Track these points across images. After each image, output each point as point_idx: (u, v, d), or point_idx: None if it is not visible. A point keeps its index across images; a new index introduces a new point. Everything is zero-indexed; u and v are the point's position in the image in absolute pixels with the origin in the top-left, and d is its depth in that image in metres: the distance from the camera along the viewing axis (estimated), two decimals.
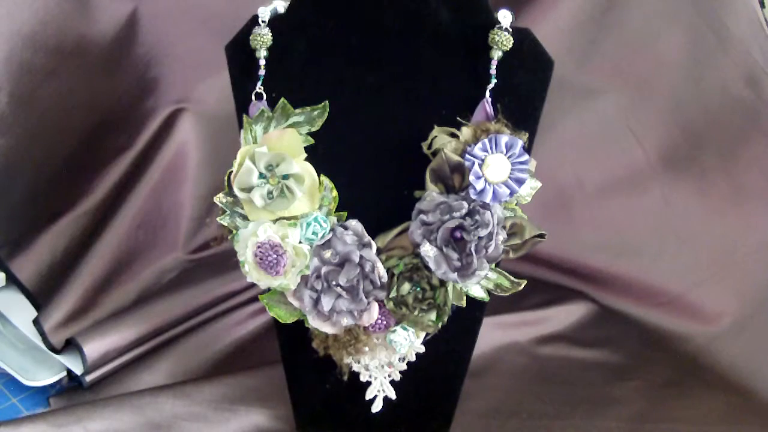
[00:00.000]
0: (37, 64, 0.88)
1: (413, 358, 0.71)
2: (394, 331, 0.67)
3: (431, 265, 0.63)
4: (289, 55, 0.66)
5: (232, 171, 0.64)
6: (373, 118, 0.66)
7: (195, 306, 0.98)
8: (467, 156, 0.62)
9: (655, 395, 0.90)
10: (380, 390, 0.72)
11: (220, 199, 0.66)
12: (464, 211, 0.62)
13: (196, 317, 0.98)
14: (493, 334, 0.97)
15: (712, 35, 0.99)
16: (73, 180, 0.99)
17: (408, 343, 0.68)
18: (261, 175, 0.63)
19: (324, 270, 0.65)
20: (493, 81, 0.63)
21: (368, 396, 0.73)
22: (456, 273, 0.63)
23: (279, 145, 0.64)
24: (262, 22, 0.65)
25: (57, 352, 0.89)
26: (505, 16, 0.62)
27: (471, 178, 0.61)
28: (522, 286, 0.66)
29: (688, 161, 1.05)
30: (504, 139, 0.61)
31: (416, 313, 0.65)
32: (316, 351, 0.70)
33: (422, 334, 0.68)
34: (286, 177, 0.63)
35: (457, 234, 0.62)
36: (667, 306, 1.05)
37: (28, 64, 0.87)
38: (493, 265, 0.65)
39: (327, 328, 0.67)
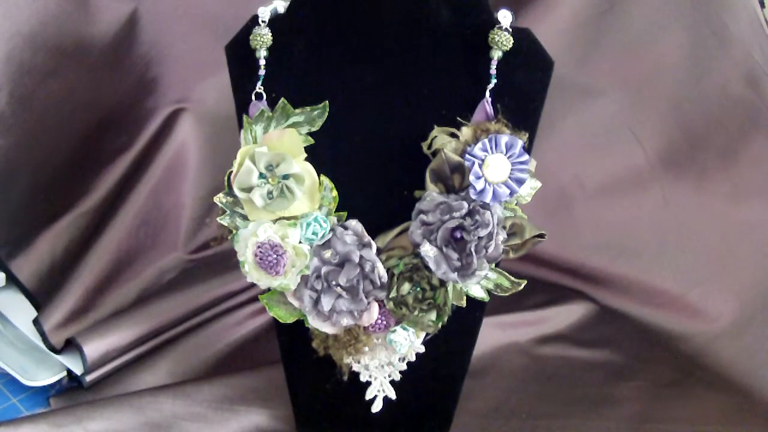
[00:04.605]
0: (37, 64, 0.88)
1: (413, 358, 0.70)
2: (394, 331, 0.67)
3: (431, 265, 0.63)
4: (289, 55, 0.66)
5: (232, 171, 0.64)
6: (373, 118, 0.66)
7: (195, 306, 0.98)
8: (467, 156, 0.62)
9: (655, 395, 0.90)
10: (380, 390, 0.72)
11: (220, 199, 0.66)
12: (464, 211, 0.62)
13: (196, 317, 0.98)
14: (493, 334, 0.97)
15: (712, 35, 0.99)
16: (73, 180, 0.99)
17: (408, 343, 0.67)
18: (261, 175, 0.63)
19: (324, 270, 0.65)
20: (493, 81, 0.63)
21: (368, 396, 0.73)
22: (456, 273, 0.63)
23: (279, 145, 0.64)
24: (262, 22, 0.65)
25: (57, 352, 0.89)
26: (505, 16, 0.62)
27: (471, 178, 0.61)
28: (522, 286, 0.66)
29: (688, 161, 1.05)
30: (504, 139, 0.61)
31: (416, 313, 0.65)
32: (316, 351, 0.70)
33: (422, 334, 0.68)
34: (286, 177, 0.63)
35: (457, 234, 0.62)
36: (667, 306, 1.05)
37: (28, 64, 0.88)
38: (493, 265, 0.65)
39: (327, 328, 0.67)
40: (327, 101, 0.65)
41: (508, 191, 0.62)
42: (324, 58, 0.66)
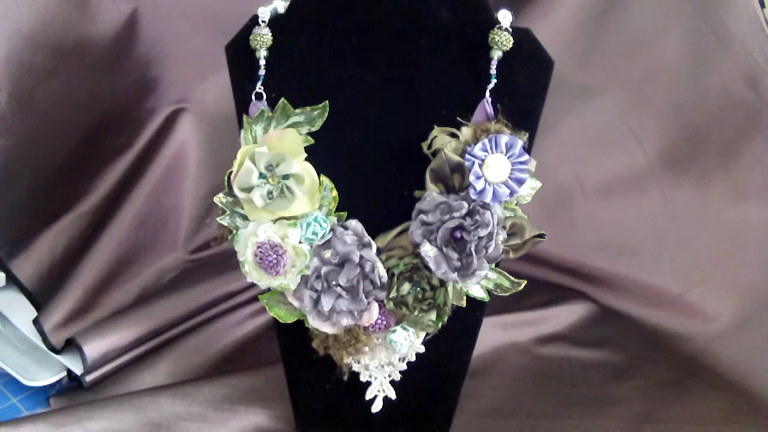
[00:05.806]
0: (37, 64, 0.88)
1: (413, 358, 0.71)
2: (394, 331, 0.67)
3: (431, 265, 0.63)
4: (289, 55, 0.66)
5: (232, 171, 0.64)
6: (373, 118, 0.66)
7: (195, 306, 0.98)
8: (467, 156, 0.62)
9: (655, 395, 0.90)
10: (380, 390, 0.72)
11: (220, 199, 0.66)
12: (464, 211, 0.62)
13: (196, 317, 0.98)
14: (493, 334, 0.97)
15: (712, 35, 0.99)
16: (73, 180, 0.99)
17: (408, 343, 0.68)
18: (261, 175, 0.63)
19: (324, 270, 0.65)
20: (493, 81, 0.63)
21: (368, 396, 0.73)
22: (456, 273, 0.63)
23: (279, 145, 0.64)
24: (262, 22, 0.65)
25: (57, 352, 0.89)
26: (505, 16, 0.62)
27: (471, 178, 0.61)
28: (522, 286, 0.66)
29: (688, 161, 1.05)
30: (504, 139, 0.61)
31: (416, 313, 0.65)
32: (316, 351, 0.70)
33: (422, 334, 0.68)
34: (286, 177, 0.63)
35: (457, 234, 0.62)
36: (667, 306, 1.05)
37: (28, 64, 0.88)
38: (493, 265, 0.65)
39: (327, 328, 0.67)
40: (327, 101, 0.65)
41: (508, 191, 0.62)
42: (324, 58, 0.66)
